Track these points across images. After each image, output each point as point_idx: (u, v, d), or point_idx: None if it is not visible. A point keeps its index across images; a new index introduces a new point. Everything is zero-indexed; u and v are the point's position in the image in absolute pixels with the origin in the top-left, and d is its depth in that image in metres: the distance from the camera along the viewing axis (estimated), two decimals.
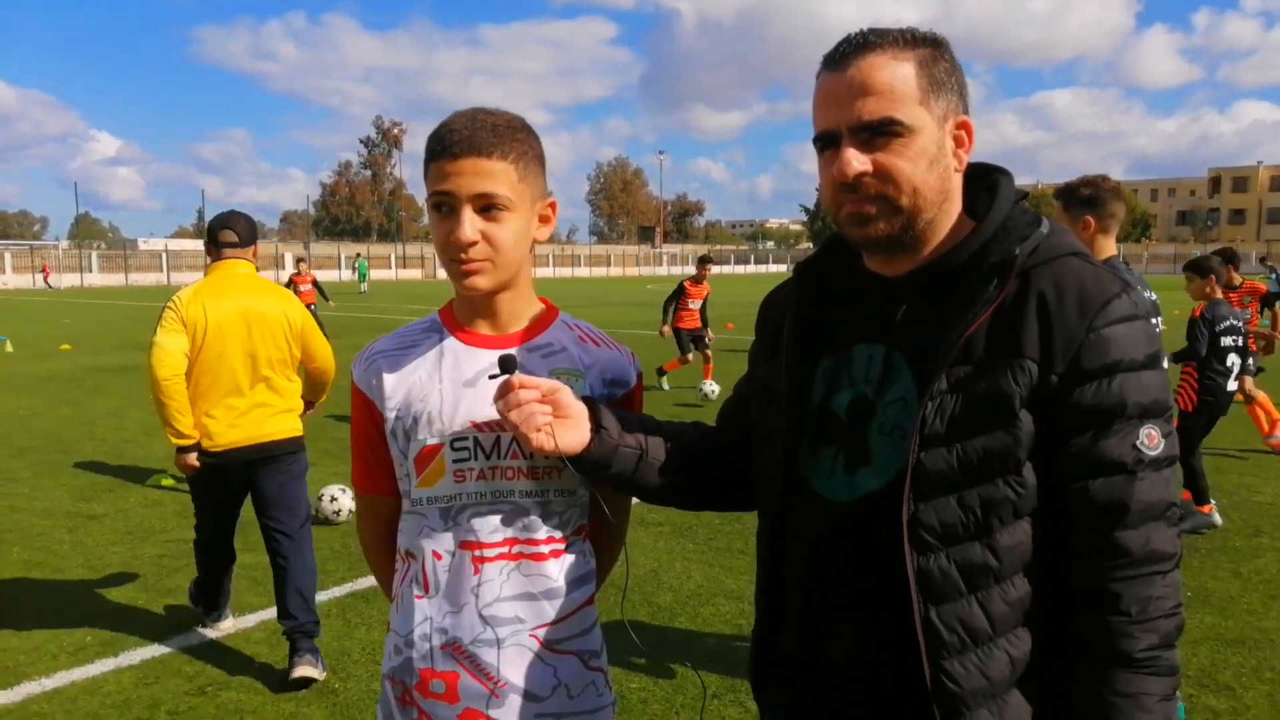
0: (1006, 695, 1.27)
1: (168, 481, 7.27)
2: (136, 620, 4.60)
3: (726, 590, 4.98)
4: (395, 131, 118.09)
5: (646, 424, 1.56)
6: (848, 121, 1.27)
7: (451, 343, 1.59)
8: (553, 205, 1.60)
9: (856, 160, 1.27)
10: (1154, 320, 2.15)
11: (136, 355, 16.24)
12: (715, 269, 12.48)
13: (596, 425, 1.48)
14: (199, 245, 65.78)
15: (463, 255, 1.46)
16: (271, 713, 3.68)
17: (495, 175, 1.46)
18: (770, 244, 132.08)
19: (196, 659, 4.16)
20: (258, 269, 4.34)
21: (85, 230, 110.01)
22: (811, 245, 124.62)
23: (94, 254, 58.15)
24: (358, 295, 38.63)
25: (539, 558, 1.56)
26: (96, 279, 53.52)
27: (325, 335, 4.50)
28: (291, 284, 16.70)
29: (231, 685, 3.91)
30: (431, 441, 1.53)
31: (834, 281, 1.46)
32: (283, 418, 4.12)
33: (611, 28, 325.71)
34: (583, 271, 78.99)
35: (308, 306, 22.98)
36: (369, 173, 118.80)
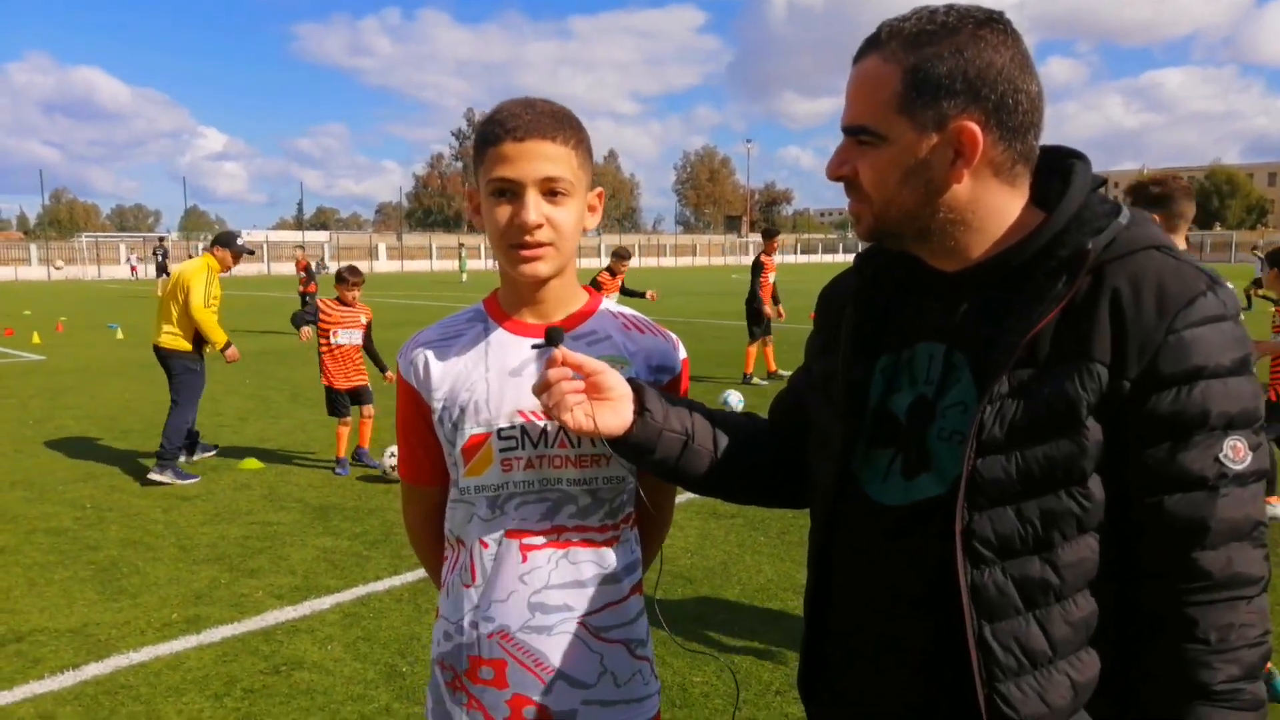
0: None
1: (253, 464, 7.53)
2: (219, 599, 4.77)
3: (797, 585, 4.90)
4: None
5: (696, 411, 1.51)
6: (842, 120, 1.26)
7: (497, 332, 1.58)
8: (600, 195, 1.61)
9: (832, 162, 1.26)
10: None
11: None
12: (805, 257, 12.13)
13: (640, 409, 1.45)
14: (298, 236, 68.17)
15: (527, 239, 1.45)
16: (341, 693, 3.76)
17: (558, 159, 1.46)
18: None
19: (272, 639, 4.29)
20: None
21: (194, 223, 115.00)
22: None
23: (200, 245, 60.66)
24: (459, 285, 39.42)
25: (587, 545, 1.56)
26: None
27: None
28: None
29: (304, 665, 4.01)
30: (478, 431, 1.53)
31: (897, 274, 1.37)
32: (167, 336, 7.49)
33: (700, 15, 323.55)
34: (668, 261, 79.00)
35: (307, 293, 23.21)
36: (460, 164, 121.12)
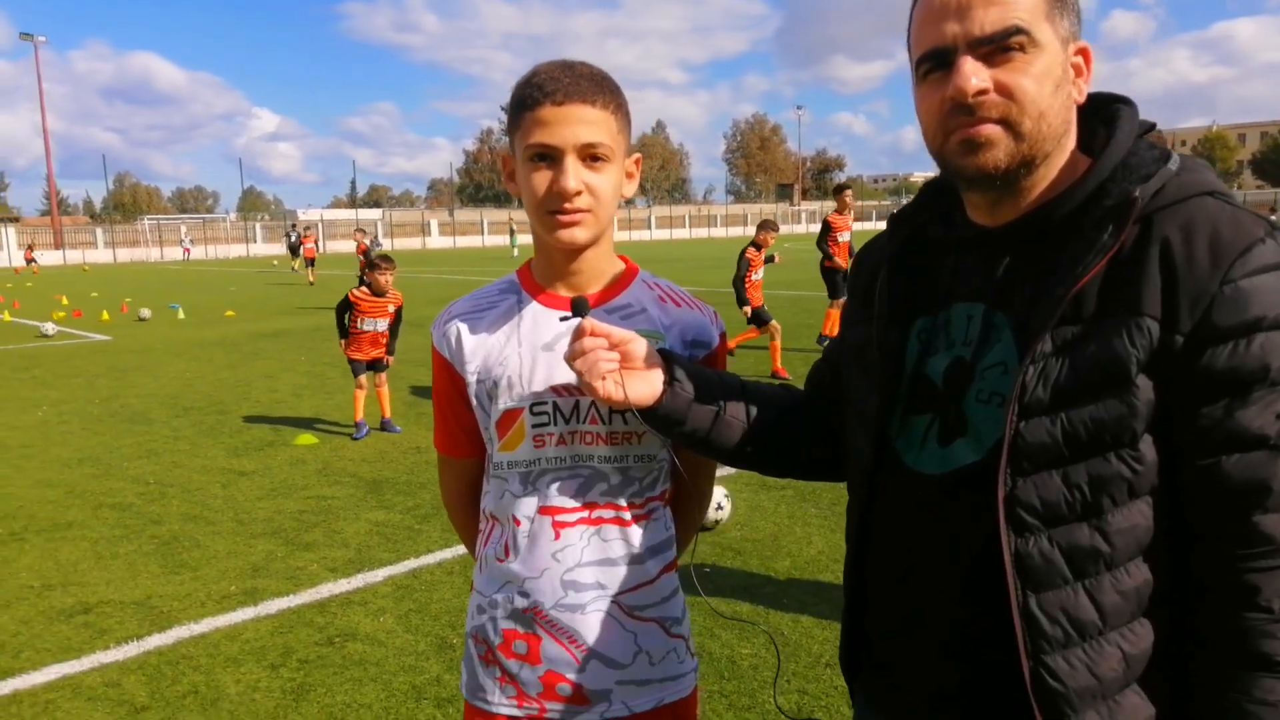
0: (1119, 696, 1.13)
1: (308, 439, 7.66)
2: (275, 572, 4.87)
3: None
4: None
5: (729, 383, 1.48)
6: (966, 35, 1.11)
7: (529, 304, 1.55)
8: (637, 161, 1.57)
9: (976, 75, 1.11)
10: None
11: (292, 320, 17.22)
12: (858, 224, 11.82)
13: (671, 379, 1.42)
14: (352, 215, 69.07)
15: (566, 205, 1.42)
16: (393, 665, 3.82)
17: (598, 124, 1.42)
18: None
19: (327, 611, 4.37)
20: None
21: (251, 203, 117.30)
22: None
23: (257, 225, 61.87)
24: (510, 260, 39.64)
25: (620, 523, 1.54)
26: (260, 249, 56.94)
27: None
28: (295, 244, 18.98)
29: (358, 637, 4.08)
30: (511, 406, 1.52)
31: (932, 233, 1.31)
32: None
33: None
34: (719, 232, 78.49)
35: (310, 261, 25.16)
36: (509, 140, 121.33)
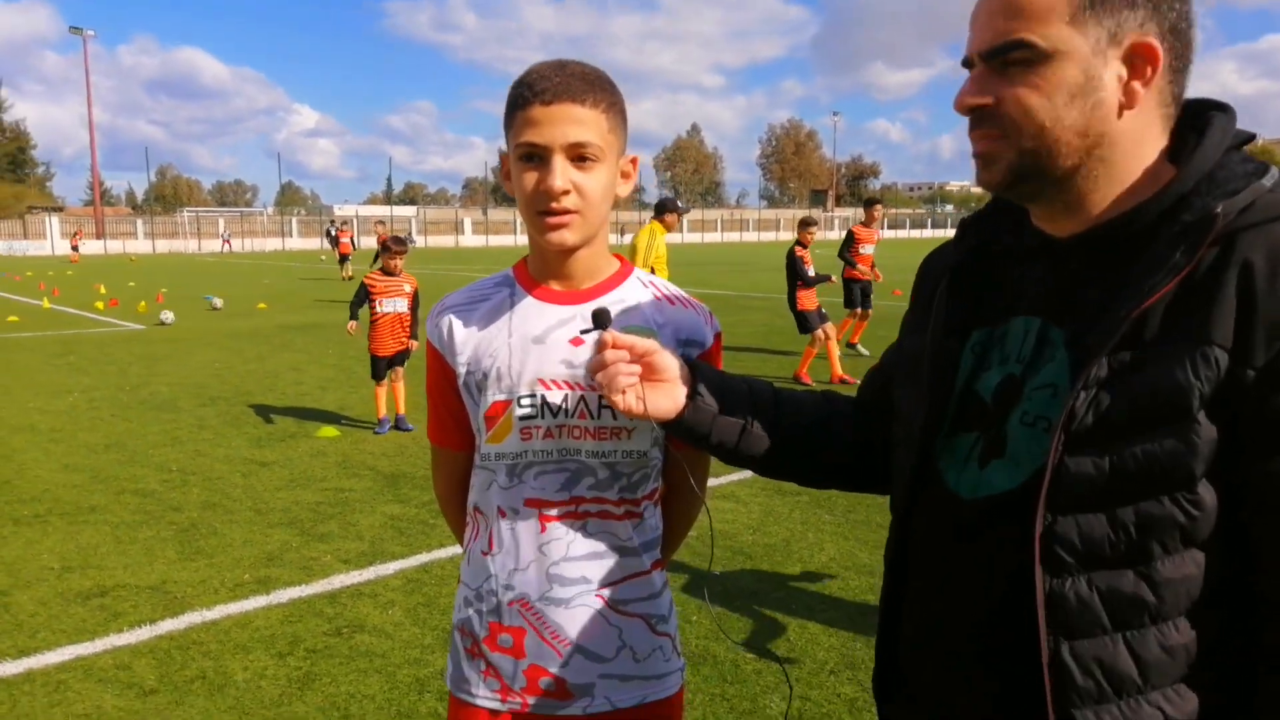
0: None
1: (330, 431, 7.74)
2: (289, 562, 4.92)
3: (859, 564, 4.81)
4: None
5: (759, 393, 1.41)
6: (977, 46, 1.08)
7: (523, 298, 1.56)
8: (634, 161, 1.57)
9: (968, 90, 1.09)
10: None
11: (323, 314, 17.41)
12: (890, 233, 11.84)
13: (693, 392, 1.38)
14: (386, 211, 69.67)
15: (553, 205, 1.42)
16: (399, 657, 3.84)
17: (587, 123, 1.42)
18: (949, 207, 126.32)
19: (337, 602, 4.40)
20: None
21: (289, 198, 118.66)
22: None
23: (294, 220, 62.62)
24: None
25: (606, 517, 1.55)
26: (296, 243, 57.64)
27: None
28: (334, 239, 19.19)
29: (366, 629, 4.11)
30: (499, 398, 1.52)
31: (1002, 242, 1.23)
32: None
33: None
34: (750, 236, 78.31)
35: (344, 257, 25.51)
36: None
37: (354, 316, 8.20)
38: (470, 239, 67.51)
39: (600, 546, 1.54)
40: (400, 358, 7.98)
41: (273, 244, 59.01)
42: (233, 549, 5.11)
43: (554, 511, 1.53)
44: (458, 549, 5.00)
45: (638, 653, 1.58)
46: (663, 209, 9.27)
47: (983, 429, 1.15)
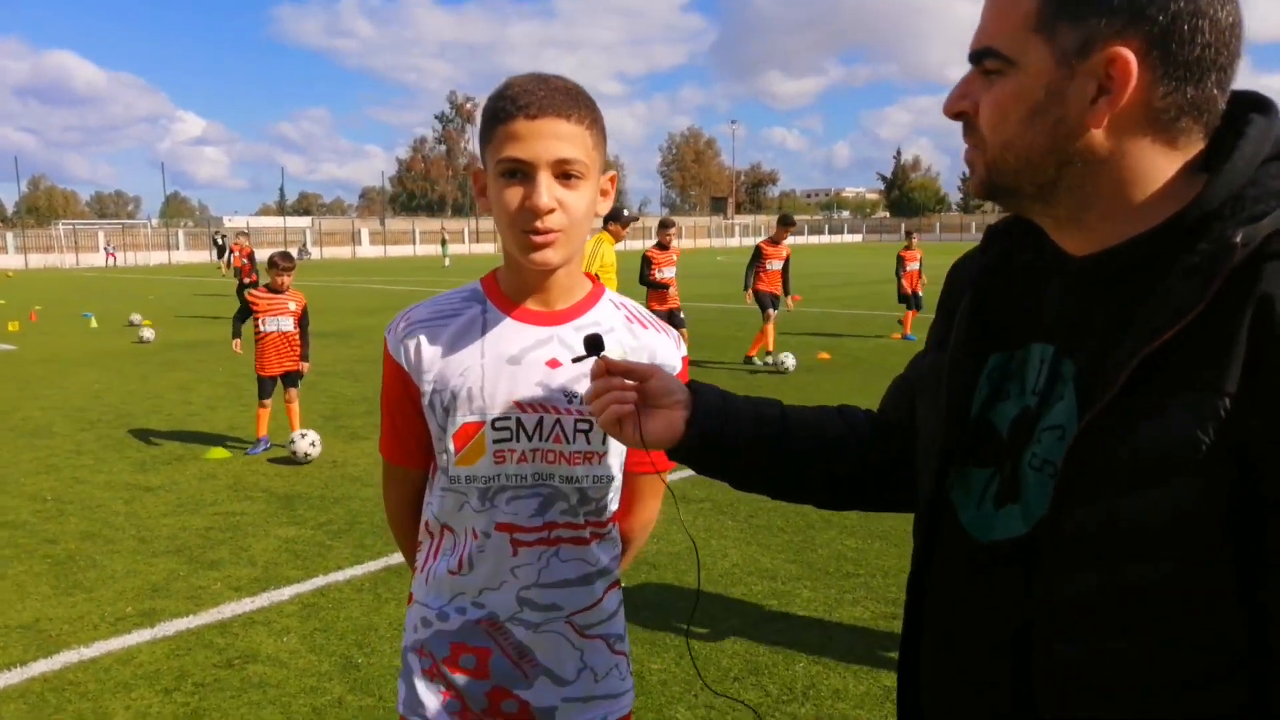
0: None
1: (220, 453, 7.44)
2: (175, 592, 4.70)
3: (761, 569, 4.87)
4: (469, 107, 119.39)
5: (765, 415, 1.31)
6: (970, 45, 1.02)
7: (496, 317, 1.50)
8: (613, 179, 1.53)
9: (951, 95, 1.04)
10: None
11: (212, 330, 16.75)
12: (789, 239, 12.23)
13: (692, 416, 1.27)
14: (280, 222, 67.66)
15: (539, 224, 1.37)
16: (294, 686, 3.70)
17: (573, 139, 1.38)
18: (845, 214, 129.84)
19: (228, 632, 4.23)
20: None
21: (175, 209, 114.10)
22: (888, 214, 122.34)
23: (180, 232, 60.20)
24: (442, 270, 39.23)
25: (577, 542, 1.52)
26: (183, 256, 55.41)
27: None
28: (222, 247, 18.59)
29: (259, 658, 3.95)
30: (471, 420, 1.47)
31: (1021, 255, 1.13)
32: None
33: None
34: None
35: (237, 271, 23.83)
36: (444, 148, 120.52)
37: (236, 334, 7.89)
38: (368, 250, 66.00)
39: (570, 572, 1.52)
40: (291, 377, 7.65)
41: (158, 257, 56.49)
42: (114, 581, 4.86)
43: (527, 537, 1.49)
44: (357, 570, 4.93)
45: (597, 673, 1.56)
46: (611, 217, 9.06)
47: (997, 465, 1.08)
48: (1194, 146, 0.97)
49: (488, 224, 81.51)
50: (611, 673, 1.59)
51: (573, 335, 1.48)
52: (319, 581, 4.81)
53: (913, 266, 14.73)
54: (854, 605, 4.42)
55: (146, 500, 6.29)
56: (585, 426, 1.48)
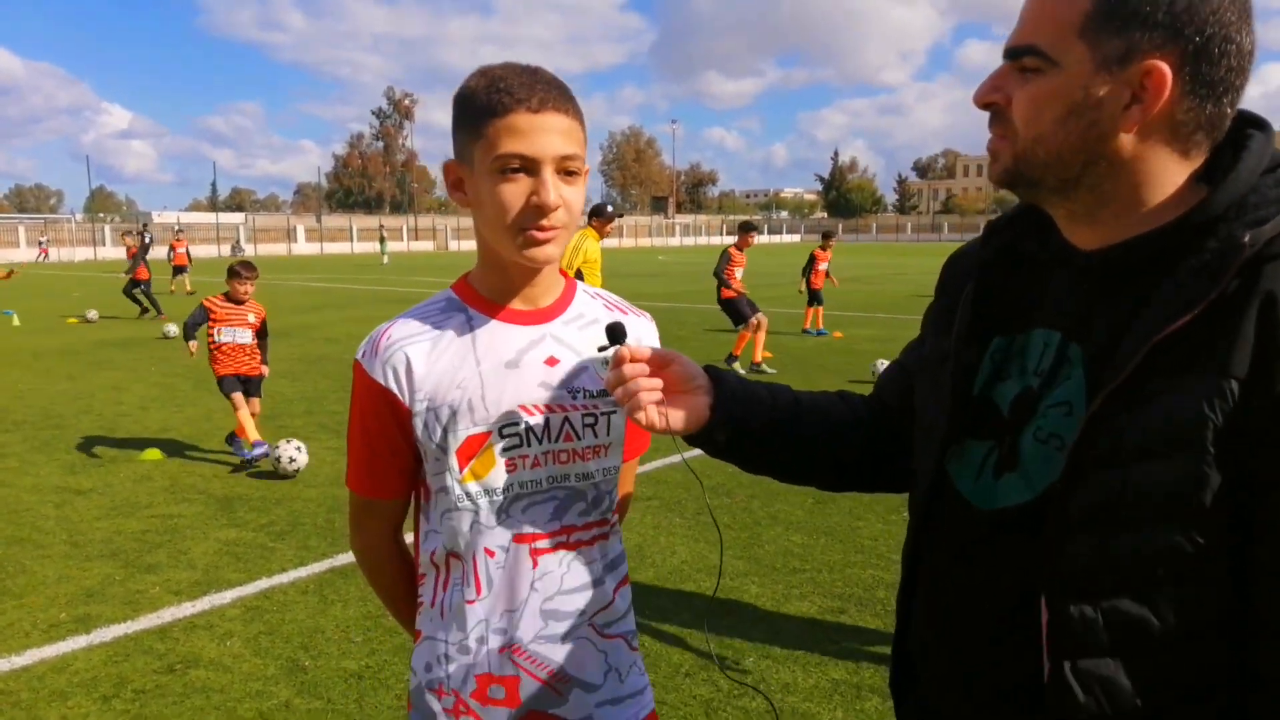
0: None
1: (154, 454, 7.25)
2: (111, 597, 4.57)
3: (710, 566, 4.91)
4: (406, 102, 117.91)
5: (780, 399, 1.38)
6: (1007, 43, 1.08)
7: (483, 321, 1.44)
8: (586, 173, 1.50)
9: (984, 86, 1.10)
10: None
11: (143, 328, 16.29)
12: (729, 238, 12.32)
13: (716, 401, 1.33)
14: (212, 219, 65.98)
15: (544, 222, 1.32)
16: (239, 691, 3.63)
17: (572, 134, 1.34)
18: (784, 214, 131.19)
19: (169, 636, 4.13)
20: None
21: (100, 204, 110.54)
22: (825, 215, 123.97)
23: (106, 227, 58.33)
24: (379, 268, 38.62)
25: (598, 540, 1.49)
26: (110, 252, 53.65)
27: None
28: (170, 249, 18.25)
29: (201, 663, 3.87)
30: (476, 431, 1.40)
31: (1026, 246, 1.22)
32: None
33: None
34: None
35: (179, 268, 23.24)
36: (381, 144, 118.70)
37: (190, 337, 7.37)
38: (304, 246, 64.69)
39: (591, 574, 1.48)
40: (253, 385, 7.21)
41: (83, 253, 54.66)
42: (46, 587, 4.70)
43: (546, 544, 1.44)
44: (302, 572, 4.85)
45: (621, 673, 1.53)
46: (595, 213, 8.89)
47: (996, 439, 1.16)
48: (1200, 158, 1.06)
49: (426, 221, 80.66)
50: (632, 670, 1.56)
51: (563, 329, 1.47)
52: (262, 584, 4.72)
53: (823, 267, 15.44)
54: (801, 600, 4.49)
55: (78, 503, 6.10)
56: (591, 420, 1.46)
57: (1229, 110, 1.04)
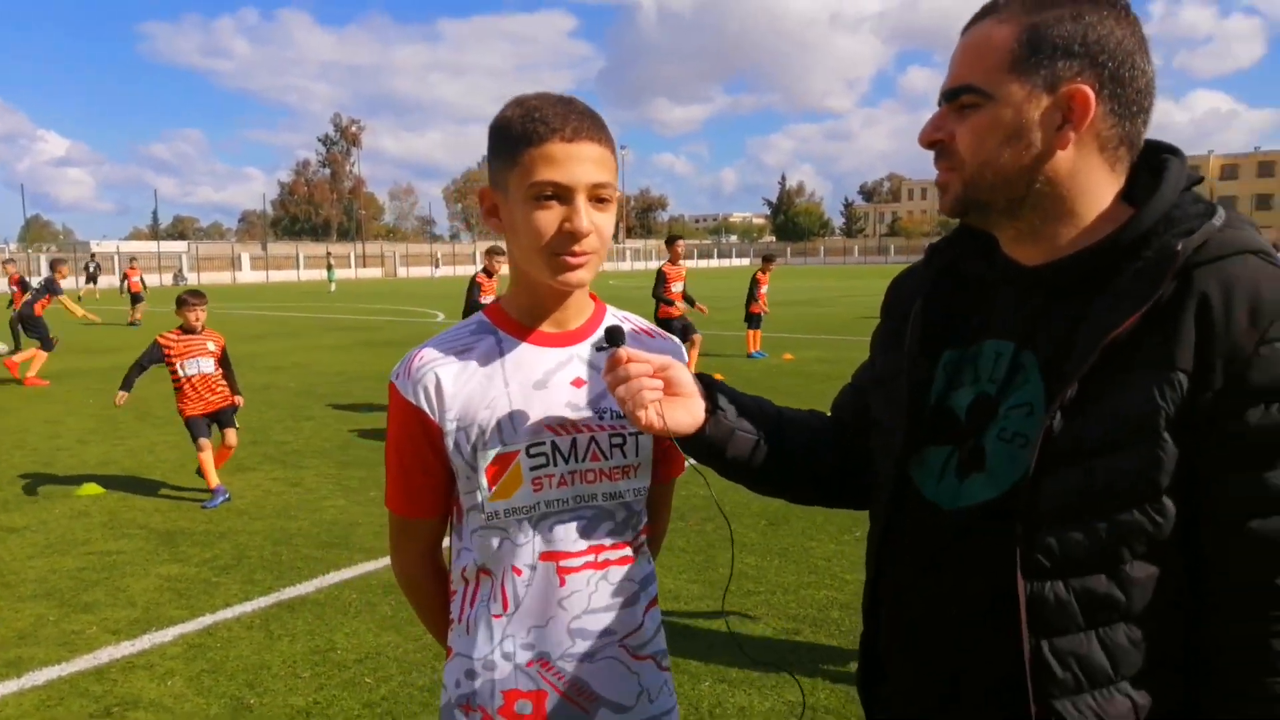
0: None
1: (93, 489, 7.03)
2: (45, 639, 4.40)
3: (665, 591, 4.88)
4: (354, 129, 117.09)
5: (766, 410, 1.46)
6: (943, 86, 1.21)
7: (512, 344, 1.48)
8: (617, 199, 1.53)
9: (927, 127, 1.21)
10: None
11: (80, 360, 15.84)
12: (681, 263, 12.50)
13: (713, 406, 1.39)
14: (154, 247, 64.69)
15: (576, 248, 1.36)
16: None
17: (604, 163, 1.38)
18: (733, 238, 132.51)
19: (106, 678, 3.98)
20: None
21: (36, 233, 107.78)
22: (774, 239, 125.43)
23: (42, 256, 56.79)
24: (327, 295, 38.11)
25: (624, 561, 1.50)
26: None
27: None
28: (93, 275, 17.22)
29: (140, 704, 3.73)
30: (504, 450, 1.42)
31: (969, 266, 1.32)
32: None
33: (571, 20, 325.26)
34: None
35: (136, 296, 21.69)
36: (328, 171, 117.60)
37: (127, 386, 6.88)
38: (249, 275, 63.64)
39: (620, 594, 1.49)
40: (226, 416, 6.93)
41: None
42: None
43: (573, 563, 1.45)
44: (247, 607, 4.73)
45: (651, 694, 1.53)
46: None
47: (956, 443, 1.24)
48: (1124, 174, 1.20)
49: (374, 248, 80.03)
50: (663, 690, 1.57)
51: (591, 352, 1.49)
52: (205, 620, 4.59)
53: (764, 290, 15.72)
54: (756, 623, 4.48)
55: (10, 542, 5.88)
56: (619, 440, 1.47)
57: (1143, 128, 1.18)
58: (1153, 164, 1.20)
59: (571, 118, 1.36)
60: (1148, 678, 1.12)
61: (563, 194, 1.36)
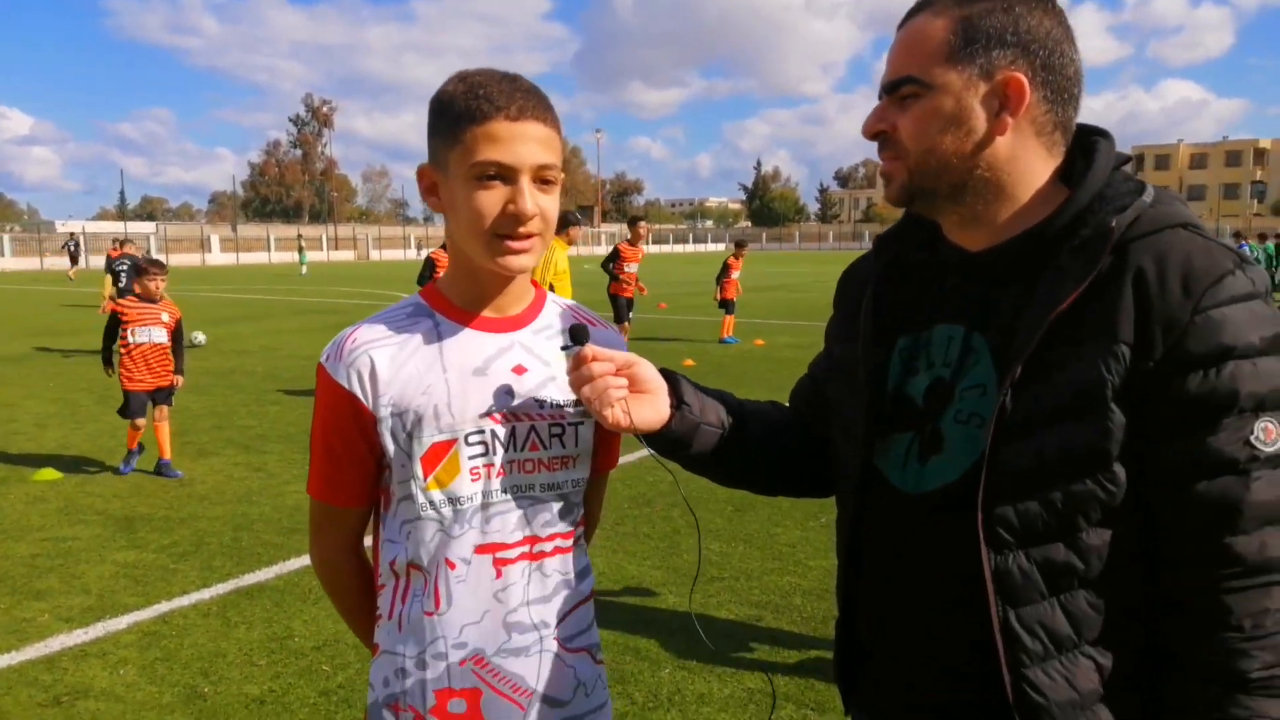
0: (1096, 709, 1.16)
1: (49, 474, 6.91)
2: None
3: (628, 577, 4.87)
4: (325, 110, 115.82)
5: (729, 403, 1.48)
6: (883, 79, 1.24)
7: (451, 329, 1.42)
8: (562, 182, 1.50)
9: (871, 118, 1.25)
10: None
11: (42, 342, 15.58)
12: (655, 247, 12.54)
13: (678, 401, 1.40)
14: (121, 227, 63.68)
15: (520, 230, 1.32)
16: None
17: (551, 143, 1.36)
18: (709, 223, 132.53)
19: (56, 667, 3.91)
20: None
21: (1, 212, 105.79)
22: (749, 224, 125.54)
23: (5, 237, 55.77)
24: (298, 278, 37.71)
25: (558, 552, 1.47)
26: (9, 263, 51.37)
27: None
28: (108, 258, 17.37)
29: (92, 693, 3.67)
30: (441, 438, 1.38)
31: (916, 255, 1.36)
32: None
33: (545, 2, 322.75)
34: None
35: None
36: (299, 152, 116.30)
37: (108, 361, 7.02)
38: (219, 257, 62.76)
39: (553, 586, 1.46)
40: (163, 394, 7.01)
41: None
42: None
43: (510, 554, 1.42)
44: (204, 594, 4.66)
45: (587, 687, 1.51)
46: (564, 223, 8.90)
47: (917, 428, 1.27)
48: (1059, 158, 1.24)
49: (346, 230, 79.21)
50: (597, 684, 1.54)
51: (532, 339, 1.46)
52: (161, 608, 4.53)
53: (735, 275, 15.72)
54: (718, 608, 4.48)
55: None
56: (559, 430, 1.44)
57: (1074, 114, 1.23)
58: (1085, 146, 1.24)
59: (517, 95, 1.32)
60: (1108, 636, 1.16)
61: (506, 174, 1.31)
